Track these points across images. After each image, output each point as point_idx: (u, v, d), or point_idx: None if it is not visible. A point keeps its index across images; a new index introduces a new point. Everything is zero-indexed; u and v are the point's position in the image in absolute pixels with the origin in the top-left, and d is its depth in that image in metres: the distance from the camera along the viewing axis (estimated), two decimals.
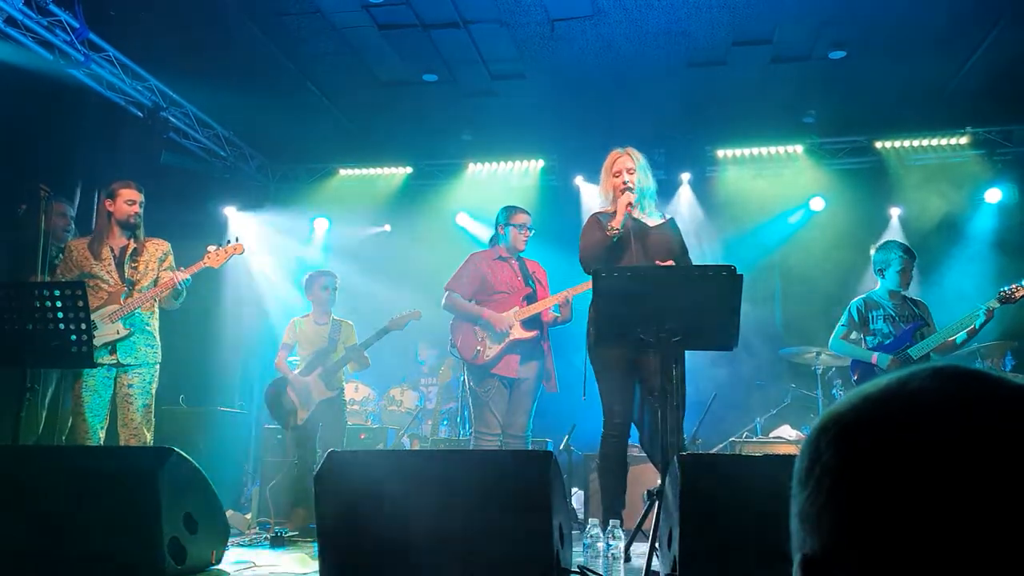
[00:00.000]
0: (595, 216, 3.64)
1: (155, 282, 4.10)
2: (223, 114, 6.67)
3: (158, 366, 4.11)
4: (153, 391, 4.06)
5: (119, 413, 3.98)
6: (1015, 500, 0.46)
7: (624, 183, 3.54)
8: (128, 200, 4.10)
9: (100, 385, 3.93)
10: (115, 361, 3.94)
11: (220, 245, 4.14)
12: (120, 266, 4.07)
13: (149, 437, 4.00)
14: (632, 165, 3.58)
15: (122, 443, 3.93)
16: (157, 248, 4.19)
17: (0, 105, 4.70)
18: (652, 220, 3.63)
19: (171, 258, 4.22)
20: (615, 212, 3.48)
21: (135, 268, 4.07)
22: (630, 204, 3.43)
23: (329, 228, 7.73)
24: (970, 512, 0.46)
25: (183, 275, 3.99)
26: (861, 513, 0.48)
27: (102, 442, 3.92)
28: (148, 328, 4.07)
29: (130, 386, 3.97)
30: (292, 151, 7.44)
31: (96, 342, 3.81)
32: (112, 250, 4.10)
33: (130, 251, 4.10)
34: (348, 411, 5.11)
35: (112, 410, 4.00)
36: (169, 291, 4.00)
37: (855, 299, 4.42)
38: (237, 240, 4.23)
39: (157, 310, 4.19)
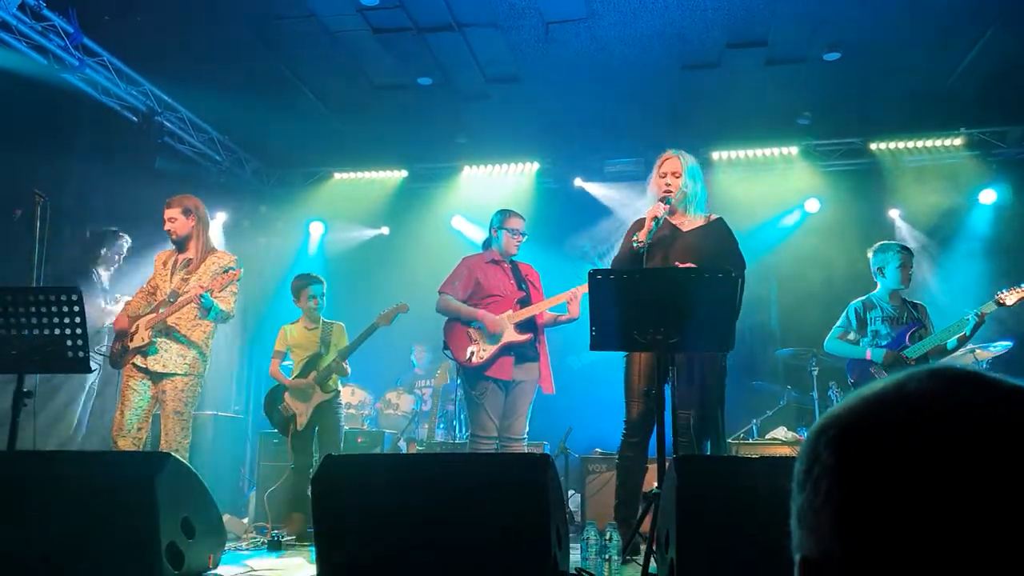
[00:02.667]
0: (634, 224, 3.65)
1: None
2: (218, 118, 6.66)
3: (195, 377, 4.07)
4: (186, 399, 4.03)
5: (160, 421, 4.04)
6: (1012, 499, 0.46)
7: (667, 186, 3.54)
8: (164, 219, 4.25)
9: (141, 386, 4.02)
10: (145, 367, 4.01)
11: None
12: (173, 276, 4.17)
13: (183, 445, 3.98)
14: (679, 169, 3.57)
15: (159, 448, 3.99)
16: (215, 261, 4.20)
17: None
18: (693, 223, 3.60)
19: (231, 272, 4.10)
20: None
21: (185, 280, 4.13)
22: (656, 217, 3.40)
23: (324, 232, 7.73)
24: (968, 512, 0.46)
25: (198, 290, 3.91)
26: (860, 514, 0.49)
27: (141, 441, 3.98)
28: (184, 338, 4.07)
29: (163, 392, 4.02)
30: (287, 155, 7.44)
31: (131, 346, 4.02)
32: (176, 261, 4.23)
33: (181, 262, 4.21)
34: (345, 415, 5.10)
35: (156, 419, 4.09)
36: (195, 306, 3.98)
37: (855, 300, 4.42)
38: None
39: (206, 322, 4.11)
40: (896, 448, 0.49)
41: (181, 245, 4.25)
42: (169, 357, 4.02)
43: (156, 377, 4.02)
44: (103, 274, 5.49)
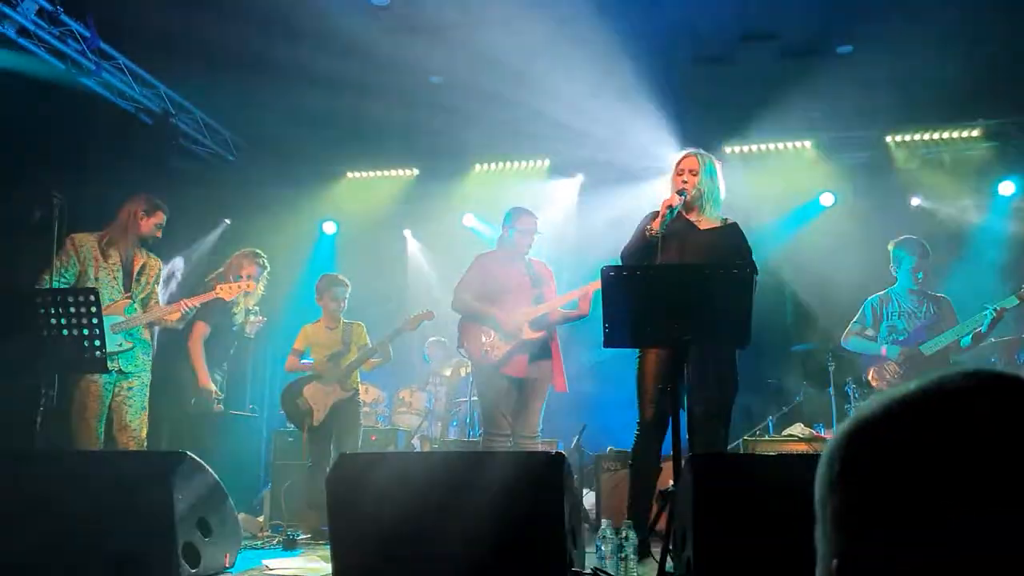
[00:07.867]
0: (648, 214, 3.62)
1: (148, 297, 4.28)
2: (231, 119, 6.70)
3: (150, 371, 4.29)
4: (147, 394, 4.22)
5: (115, 418, 4.11)
6: None
7: (683, 183, 3.52)
8: (158, 224, 4.31)
9: (103, 391, 4.06)
10: (117, 368, 4.08)
11: (236, 279, 4.48)
12: (128, 276, 4.21)
13: (145, 442, 4.15)
14: (696, 167, 3.55)
15: (120, 447, 4.04)
16: (155, 266, 4.37)
17: (14, 113, 4.76)
18: (708, 223, 3.57)
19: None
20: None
21: (139, 283, 4.23)
22: (671, 206, 3.37)
23: (337, 231, 7.76)
24: (1004, 514, 0.45)
25: (192, 303, 4.21)
26: (892, 514, 0.48)
27: (102, 446, 4.04)
28: (144, 338, 4.25)
29: (129, 389, 4.11)
30: (299, 155, 7.47)
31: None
32: (121, 257, 4.21)
33: (139, 266, 4.26)
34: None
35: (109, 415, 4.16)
36: (177, 317, 4.22)
37: (871, 296, 4.38)
38: (251, 279, 4.52)
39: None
40: (930, 448, 0.49)
41: (146, 246, 4.32)
42: (139, 357, 4.17)
43: (122, 377, 4.11)
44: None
